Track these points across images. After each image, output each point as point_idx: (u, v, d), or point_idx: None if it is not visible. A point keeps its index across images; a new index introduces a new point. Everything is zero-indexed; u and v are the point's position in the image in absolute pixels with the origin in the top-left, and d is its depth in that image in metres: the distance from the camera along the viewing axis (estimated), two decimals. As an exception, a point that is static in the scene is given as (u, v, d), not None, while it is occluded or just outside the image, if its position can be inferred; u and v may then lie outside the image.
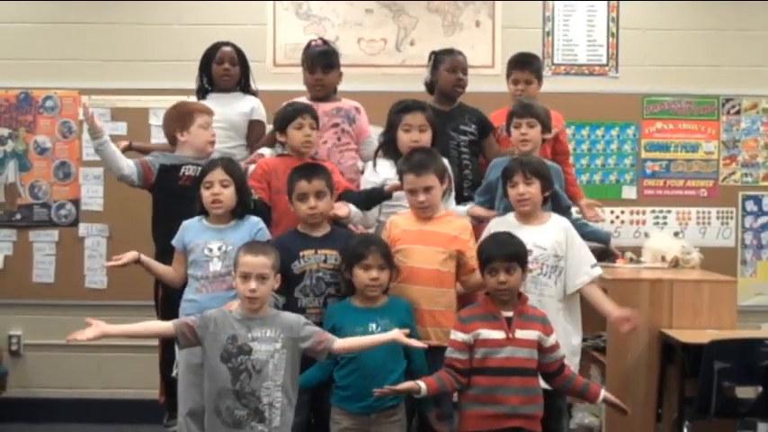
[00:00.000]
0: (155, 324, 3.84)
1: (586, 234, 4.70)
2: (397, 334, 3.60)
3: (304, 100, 4.77)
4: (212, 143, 4.62)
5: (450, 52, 5.04)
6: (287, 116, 4.43)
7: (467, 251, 4.04)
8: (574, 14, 6.03)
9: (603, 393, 3.77)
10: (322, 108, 4.70)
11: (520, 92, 4.99)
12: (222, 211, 4.10)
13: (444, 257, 4.02)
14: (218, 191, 4.08)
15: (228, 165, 4.17)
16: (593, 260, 4.20)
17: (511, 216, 4.22)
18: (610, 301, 4.15)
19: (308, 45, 4.92)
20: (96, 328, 3.53)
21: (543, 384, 3.80)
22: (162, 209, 4.51)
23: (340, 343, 3.63)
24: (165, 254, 4.25)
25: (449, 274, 4.04)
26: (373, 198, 4.37)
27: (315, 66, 4.80)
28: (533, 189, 4.11)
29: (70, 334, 3.51)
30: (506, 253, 3.72)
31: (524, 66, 5.09)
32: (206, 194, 4.09)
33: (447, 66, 4.97)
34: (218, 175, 4.10)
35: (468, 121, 4.92)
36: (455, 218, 4.21)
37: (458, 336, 3.71)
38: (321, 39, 4.98)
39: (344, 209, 4.21)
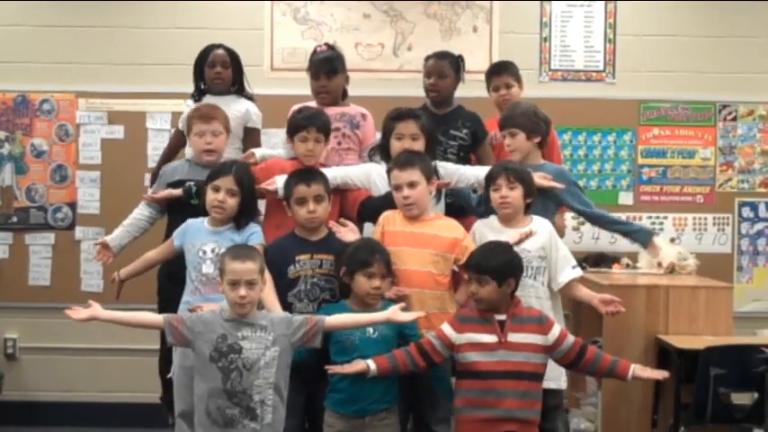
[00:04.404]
0: (146, 315, 3.80)
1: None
2: (390, 313, 3.65)
3: (313, 104, 4.76)
4: (208, 152, 4.49)
5: (430, 57, 5.03)
6: (295, 126, 4.38)
7: (467, 246, 4.05)
8: (571, 20, 6.04)
9: (632, 371, 3.72)
10: (327, 111, 4.67)
11: (502, 97, 5.00)
12: (221, 218, 4.10)
13: (437, 259, 4.02)
14: (223, 198, 4.07)
15: (240, 174, 4.14)
16: (574, 262, 4.22)
17: (494, 219, 4.23)
18: (590, 292, 4.22)
19: (314, 51, 4.90)
20: (90, 310, 3.62)
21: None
22: (173, 223, 4.48)
23: (330, 320, 3.67)
24: (175, 264, 4.26)
25: (442, 276, 4.04)
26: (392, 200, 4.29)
27: (318, 72, 4.77)
28: (515, 194, 4.12)
29: (70, 310, 3.61)
30: (475, 264, 3.76)
31: (501, 71, 5.11)
32: (211, 197, 4.09)
33: (424, 71, 4.99)
34: (227, 182, 4.08)
35: (460, 126, 4.89)
36: (444, 219, 4.21)
37: (447, 329, 3.74)
38: (326, 44, 4.93)
39: (353, 235, 4.16)
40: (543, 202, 4.30)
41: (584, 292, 4.22)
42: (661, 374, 3.81)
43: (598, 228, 5.05)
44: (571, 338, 3.76)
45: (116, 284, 4.37)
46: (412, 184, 4.04)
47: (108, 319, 3.65)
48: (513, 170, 4.14)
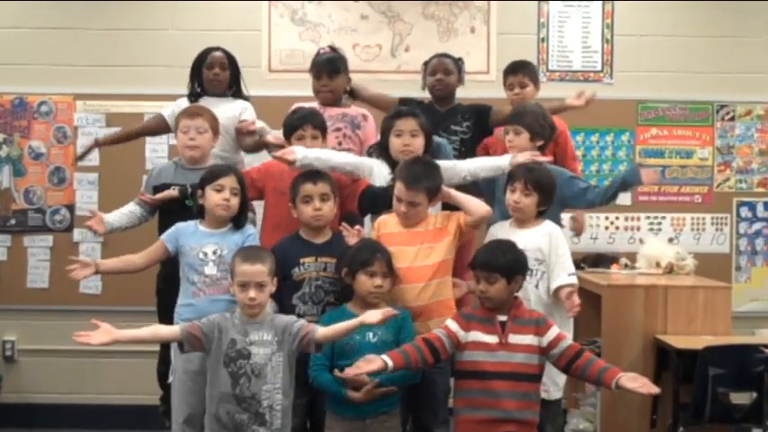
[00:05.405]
0: (162, 329, 3.84)
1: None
2: (363, 317, 3.58)
3: (315, 105, 4.78)
4: (190, 148, 4.51)
5: (433, 57, 5.06)
6: (291, 127, 4.41)
7: (455, 216, 4.09)
8: (569, 21, 6.04)
9: (617, 380, 3.55)
10: (328, 112, 4.72)
11: (516, 95, 5.01)
12: (225, 217, 4.10)
13: (432, 251, 4.03)
14: (228, 197, 4.07)
15: (240, 174, 4.18)
16: (572, 269, 4.18)
17: (507, 221, 4.27)
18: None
19: (317, 53, 4.97)
20: (107, 333, 3.54)
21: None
22: (162, 227, 4.49)
23: (321, 332, 3.63)
24: (172, 266, 4.26)
25: (443, 263, 4.04)
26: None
27: (320, 72, 4.83)
28: (529, 201, 4.13)
29: (79, 334, 3.51)
30: (484, 262, 3.74)
31: (517, 69, 5.12)
32: (215, 197, 4.07)
33: (429, 70, 5.02)
34: (230, 181, 4.08)
35: (460, 120, 4.92)
36: (434, 216, 4.17)
37: (454, 326, 3.72)
38: (330, 46, 5.01)
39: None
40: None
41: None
42: (648, 389, 3.53)
43: (605, 203, 4.85)
44: (566, 342, 3.70)
45: (88, 269, 4.11)
46: (412, 204, 4.05)
47: (127, 340, 3.61)
48: (534, 176, 4.14)
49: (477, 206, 4.08)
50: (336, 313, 3.89)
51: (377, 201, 4.27)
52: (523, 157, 4.28)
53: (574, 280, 4.15)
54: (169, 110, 5.00)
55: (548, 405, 4.08)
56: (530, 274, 4.04)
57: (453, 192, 4.15)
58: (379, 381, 3.72)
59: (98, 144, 5.22)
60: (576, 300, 4.01)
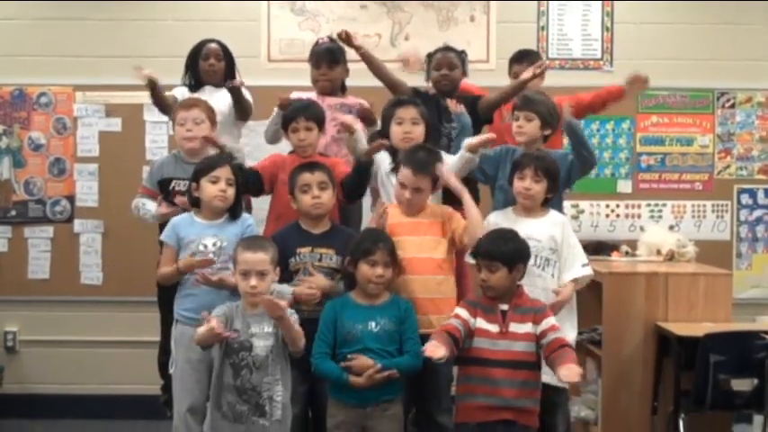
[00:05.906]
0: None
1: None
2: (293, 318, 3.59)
3: (312, 95, 4.81)
4: (188, 139, 4.53)
5: (437, 51, 5.05)
6: (285, 119, 4.46)
7: (454, 220, 4.09)
8: (568, 9, 6.03)
9: (559, 373, 3.55)
10: (327, 102, 4.76)
11: None
12: (223, 207, 4.11)
13: (437, 245, 4.05)
14: (225, 188, 4.08)
15: (234, 166, 4.19)
16: (586, 260, 4.22)
17: (509, 210, 4.28)
18: None
19: (316, 43, 5.00)
20: (212, 334, 3.52)
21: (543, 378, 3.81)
22: (162, 225, 4.49)
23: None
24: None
25: (446, 261, 4.06)
26: (360, 171, 4.32)
27: (320, 61, 4.86)
28: (539, 187, 4.15)
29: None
30: (485, 251, 3.75)
31: (522, 58, 5.18)
32: (212, 189, 4.08)
33: (434, 64, 5.00)
34: (226, 172, 4.10)
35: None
36: (434, 206, 4.21)
37: (464, 314, 3.73)
38: (329, 37, 5.02)
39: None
40: None
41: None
42: (569, 378, 3.52)
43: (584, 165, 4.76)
44: (554, 335, 3.69)
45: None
46: (418, 190, 4.06)
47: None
48: (543, 162, 4.15)
49: (478, 225, 4.04)
50: (339, 302, 3.90)
51: (354, 183, 4.32)
52: (477, 139, 4.32)
53: (588, 271, 4.19)
54: (178, 93, 5.04)
55: (560, 392, 4.10)
56: (546, 264, 4.06)
57: (467, 197, 4.11)
58: (382, 365, 3.73)
59: (153, 86, 4.92)
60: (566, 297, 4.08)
